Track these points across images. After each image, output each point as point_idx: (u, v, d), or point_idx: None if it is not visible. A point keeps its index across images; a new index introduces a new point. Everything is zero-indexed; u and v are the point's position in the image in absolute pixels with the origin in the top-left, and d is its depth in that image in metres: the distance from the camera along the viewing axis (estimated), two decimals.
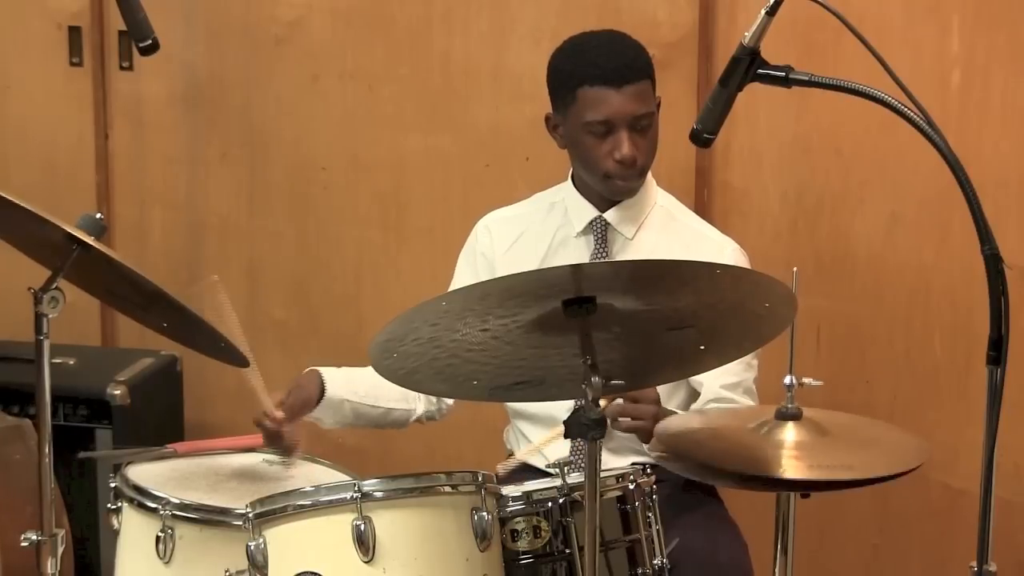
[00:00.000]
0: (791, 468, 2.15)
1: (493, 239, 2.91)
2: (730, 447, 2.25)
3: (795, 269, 2.20)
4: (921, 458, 2.21)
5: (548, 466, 2.59)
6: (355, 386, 2.79)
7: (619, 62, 2.72)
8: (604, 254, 2.80)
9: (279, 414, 2.67)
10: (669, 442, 2.29)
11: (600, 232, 2.81)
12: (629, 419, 2.53)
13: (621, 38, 2.80)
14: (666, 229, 2.82)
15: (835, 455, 2.20)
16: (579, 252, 2.82)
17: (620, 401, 2.52)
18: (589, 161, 2.74)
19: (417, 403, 2.90)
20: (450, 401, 2.94)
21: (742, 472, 2.17)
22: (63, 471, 3.11)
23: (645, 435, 2.52)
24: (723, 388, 2.72)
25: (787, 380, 2.24)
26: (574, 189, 2.83)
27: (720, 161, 3.41)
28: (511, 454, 2.94)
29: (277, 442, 2.69)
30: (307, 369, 2.79)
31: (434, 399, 2.91)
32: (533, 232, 2.88)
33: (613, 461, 2.66)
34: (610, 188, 2.77)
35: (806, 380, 2.26)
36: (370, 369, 2.21)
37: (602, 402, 2.07)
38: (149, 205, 3.94)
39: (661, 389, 2.63)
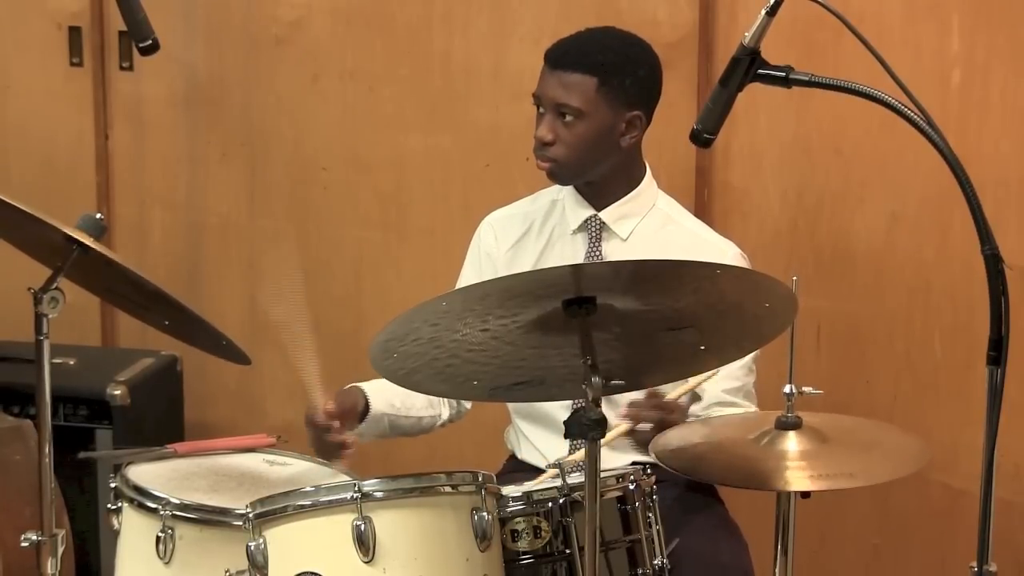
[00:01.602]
0: (793, 480, 2.15)
1: (497, 238, 2.91)
2: (731, 460, 2.25)
3: (795, 278, 2.19)
4: (922, 461, 2.22)
5: (548, 466, 2.59)
6: (391, 399, 2.78)
7: (567, 47, 2.74)
8: (597, 253, 2.80)
9: (331, 407, 2.62)
10: (669, 458, 2.28)
11: (595, 231, 2.82)
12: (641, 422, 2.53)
13: (608, 35, 2.80)
14: (663, 231, 2.81)
15: (836, 463, 2.20)
16: (573, 250, 2.83)
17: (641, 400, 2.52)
18: None
19: (442, 408, 2.91)
20: (468, 404, 2.94)
21: (744, 486, 2.17)
22: (63, 471, 3.11)
23: (644, 442, 2.52)
24: (725, 392, 2.72)
25: (787, 389, 2.23)
26: (573, 187, 2.83)
27: (720, 161, 3.41)
28: (512, 455, 2.95)
29: (324, 442, 2.63)
30: (348, 385, 2.78)
31: (455, 401, 2.91)
32: (535, 230, 2.89)
33: (613, 459, 2.66)
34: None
35: (806, 389, 2.26)
36: None
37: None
38: (149, 205, 3.94)
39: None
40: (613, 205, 2.81)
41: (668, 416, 2.53)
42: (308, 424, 2.64)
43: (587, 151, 2.72)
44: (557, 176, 2.77)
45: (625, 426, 2.55)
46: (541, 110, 2.74)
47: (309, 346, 2.57)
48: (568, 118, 2.70)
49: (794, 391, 2.24)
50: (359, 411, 2.73)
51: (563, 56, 2.72)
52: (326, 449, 2.64)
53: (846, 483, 2.14)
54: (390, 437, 2.86)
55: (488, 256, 2.91)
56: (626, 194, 2.81)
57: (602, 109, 2.70)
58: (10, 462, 3.20)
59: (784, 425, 2.23)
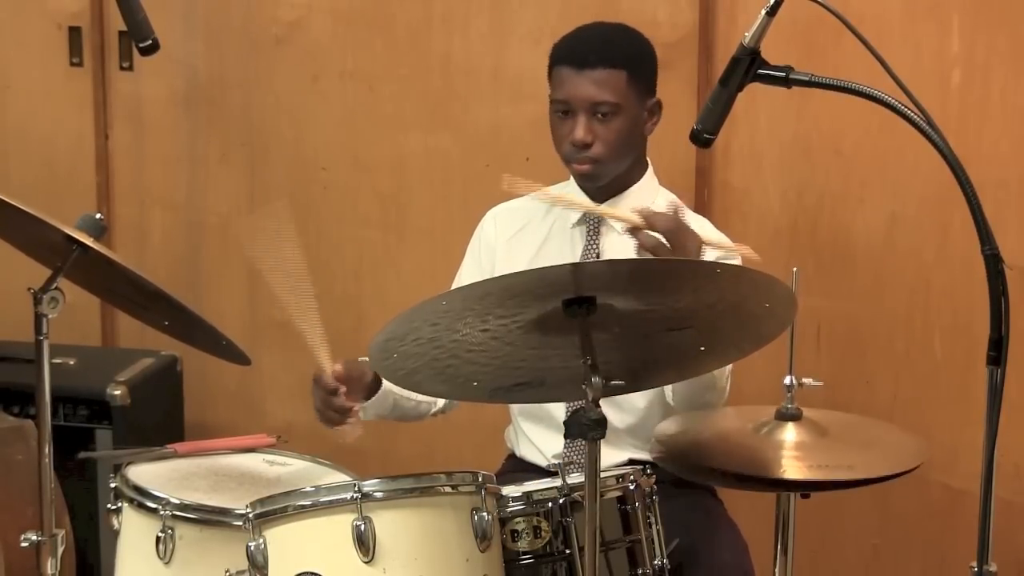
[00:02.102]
0: (791, 469, 2.15)
1: (498, 228, 2.93)
2: (731, 448, 2.25)
3: (795, 269, 2.20)
4: (921, 458, 2.22)
5: (549, 465, 2.59)
6: None
7: (590, 46, 2.74)
8: (595, 246, 2.80)
9: (339, 368, 2.61)
10: (669, 443, 2.29)
11: (593, 225, 2.82)
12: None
13: (614, 28, 2.82)
14: None
15: (835, 455, 2.20)
16: (571, 244, 2.83)
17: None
18: (554, 140, 2.77)
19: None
20: None
21: (743, 473, 2.17)
22: (63, 471, 3.11)
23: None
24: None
25: (787, 380, 2.24)
26: (574, 182, 2.84)
27: (720, 161, 3.41)
28: (511, 454, 2.95)
29: (328, 404, 2.61)
30: (360, 359, 2.78)
31: None
32: (534, 224, 2.89)
33: (612, 456, 2.66)
34: (571, 171, 2.78)
35: (806, 380, 2.26)
36: None
37: None
38: (149, 205, 3.94)
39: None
40: (613, 199, 2.81)
41: (679, 236, 2.42)
42: (315, 384, 2.63)
43: (623, 145, 2.74)
44: (597, 176, 2.77)
45: (635, 218, 2.43)
46: (563, 114, 2.73)
47: (312, 310, 2.56)
48: (604, 115, 2.70)
49: (794, 383, 2.24)
50: (367, 383, 2.71)
51: (589, 55, 2.71)
52: (329, 412, 2.62)
53: (844, 475, 2.14)
54: (388, 418, 2.84)
55: (488, 246, 2.92)
56: (627, 188, 2.82)
57: (632, 100, 2.72)
58: (12, 462, 3.20)
59: (784, 416, 2.23)
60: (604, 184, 2.80)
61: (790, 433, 2.22)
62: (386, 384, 2.74)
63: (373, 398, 2.74)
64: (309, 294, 2.55)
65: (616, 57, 2.71)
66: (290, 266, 2.56)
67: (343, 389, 2.61)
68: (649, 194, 2.84)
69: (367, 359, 2.72)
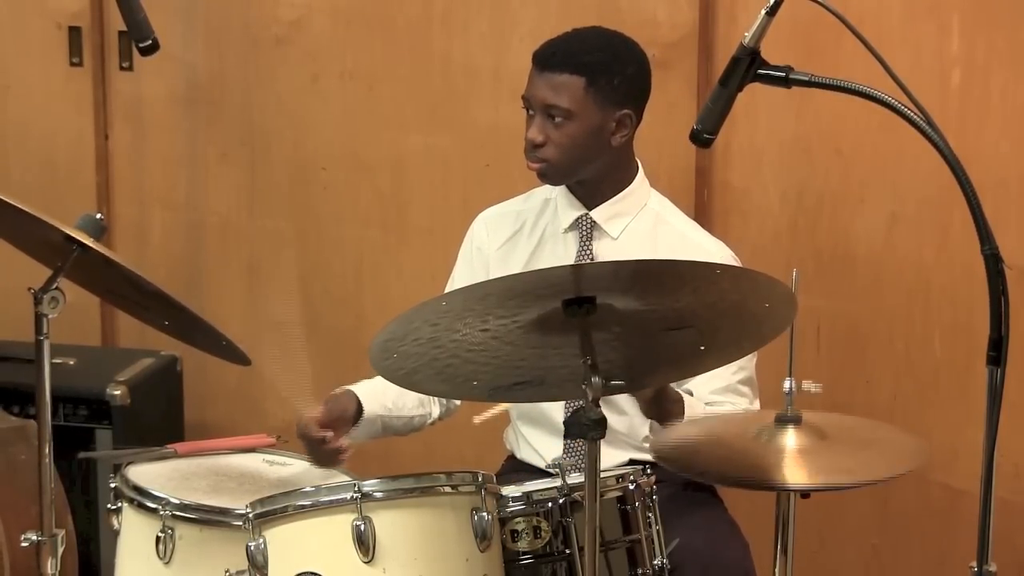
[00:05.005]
0: (792, 475, 2.15)
1: (489, 234, 2.92)
2: (730, 455, 2.25)
3: (795, 271, 2.19)
4: (921, 459, 2.21)
5: (548, 466, 2.59)
6: (384, 400, 2.77)
7: (556, 48, 2.73)
8: (588, 252, 2.80)
9: (320, 416, 2.63)
10: (668, 452, 2.28)
11: (586, 230, 2.81)
12: None
13: (595, 35, 2.79)
14: (653, 232, 2.80)
15: (835, 459, 2.20)
16: (565, 249, 2.82)
17: None
18: None
19: (432, 406, 2.90)
20: (458, 401, 2.94)
21: (743, 480, 2.17)
22: (63, 471, 3.11)
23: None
24: (712, 393, 2.69)
25: (786, 385, 2.23)
26: (565, 186, 2.84)
27: (720, 161, 3.41)
28: (511, 455, 2.95)
29: (320, 451, 2.64)
30: (339, 388, 2.78)
31: (444, 399, 2.91)
32: (527, 229, 2.88)
33: (611, 455, 2.66)
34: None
35: (805, 383, 2.26)
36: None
37: None
38: (149, 205, 3.94)
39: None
40: (604, 204, 2.81)
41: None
42: (300, 436, 2.64)
43: (578, 151, 2.72)
44: (548, 177, 2.77)
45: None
46: (531, 112, 2.74)
47: (303, 356, 2.57)
48: (558, 119, 2.70)
49: (793, 387, 2.24)
50: (351, 415, 2.72)
51: (550, 57, 2.71)
52: (322, 458, 2.64)
53: (844, 479, 2.14)
54: (381, 437, 2.85)
55: (479, 251, 2.91)
56: (617, 193, 2.81)
57: (591, 109, 2.70)
58: (15, 461, 3.20)
59: (783, 421, 2.23)
60: (585, 187, 2.79)
61: (790, 438, 2.21)
62: (371, 410, 2.75)
63: (359, 426, 2.74)
64: (301, 341, 2.56)
65: (576, 64, 2.69)
66: (291, 315, 2.58)
67: (330, 435, 2.62)
68: (639, 198, 2.83)
69: (347, 388, 2.74)
